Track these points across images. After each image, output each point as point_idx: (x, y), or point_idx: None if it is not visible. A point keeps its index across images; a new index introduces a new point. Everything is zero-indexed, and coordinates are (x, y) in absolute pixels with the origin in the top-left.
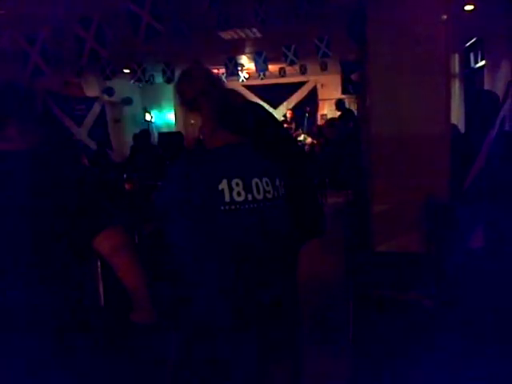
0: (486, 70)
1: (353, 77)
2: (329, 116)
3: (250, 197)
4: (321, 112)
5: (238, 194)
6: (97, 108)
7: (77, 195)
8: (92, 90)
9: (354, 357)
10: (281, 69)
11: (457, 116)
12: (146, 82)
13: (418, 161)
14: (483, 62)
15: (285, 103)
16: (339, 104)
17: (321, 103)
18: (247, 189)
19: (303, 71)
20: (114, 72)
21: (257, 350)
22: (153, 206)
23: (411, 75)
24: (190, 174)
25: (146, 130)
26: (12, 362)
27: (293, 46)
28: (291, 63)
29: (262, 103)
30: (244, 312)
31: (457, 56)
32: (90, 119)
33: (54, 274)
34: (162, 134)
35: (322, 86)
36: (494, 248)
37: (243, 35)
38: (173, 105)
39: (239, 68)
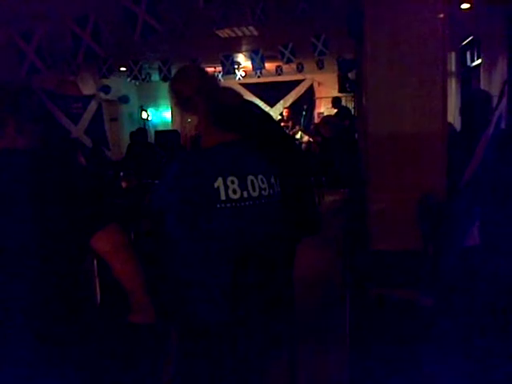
0: (482, 69)
1: (350, 75)
2: (326, 114)
3: (245, 194)
4: (318, 110)
5: (234, 191)
6: (93, 106)
7: (75, 194)
8: (88, 88)
9: (350, 355)
10: (277, 67)
11: (453, 114)
12: (143, 80)
13: (415, 159)
14: (479, 61)
15: (282, 101)
16: (335, 102)
17: (318, 101)
18: (243, 186)
19: (300, 69)
20: (111, 70)
21: (253, 347)
22: (149, 205)
23: (408, 73)
24: (186, 173)
25: (143, 128)
26: (9, 356)
27: (290, 44)
28: (288, 61)
29: (258, 101)
30: (241, 309)
31: (453, 54)
32: (86, 117)
33: (52, 272)
34: (158, 132)
35: (318, 84)
36: (489, 246)
37: (240, 33)
38: (169, 103)
39: (236, 66)
